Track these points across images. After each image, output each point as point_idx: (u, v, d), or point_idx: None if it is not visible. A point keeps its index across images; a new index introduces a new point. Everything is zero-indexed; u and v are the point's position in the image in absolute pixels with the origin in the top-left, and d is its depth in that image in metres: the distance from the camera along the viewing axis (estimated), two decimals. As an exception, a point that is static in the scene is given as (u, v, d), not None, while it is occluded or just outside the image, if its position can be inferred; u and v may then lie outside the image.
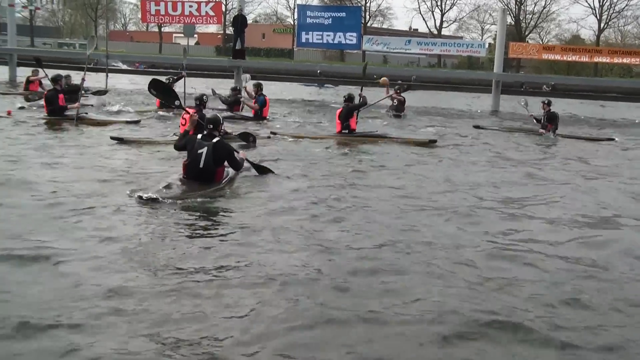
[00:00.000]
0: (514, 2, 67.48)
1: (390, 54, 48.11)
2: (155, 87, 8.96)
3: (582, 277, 5.47)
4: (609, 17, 64.10)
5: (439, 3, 69.92)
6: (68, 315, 4.20)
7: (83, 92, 15.65)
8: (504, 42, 26.03)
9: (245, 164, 8.85)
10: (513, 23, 65.62)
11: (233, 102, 17.39)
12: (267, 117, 16.56)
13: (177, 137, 9.58)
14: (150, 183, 8.00)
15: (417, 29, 77.78)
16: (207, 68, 34.19)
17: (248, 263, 5.37)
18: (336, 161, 11.04)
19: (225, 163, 8.20)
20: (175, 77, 18.35)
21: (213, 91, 17.75)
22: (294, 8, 64.22)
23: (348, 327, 4.26)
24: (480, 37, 69.64)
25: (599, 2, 63.67)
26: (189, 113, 9.13)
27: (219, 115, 8.57)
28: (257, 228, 6.41)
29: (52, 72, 16.72)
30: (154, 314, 4.30)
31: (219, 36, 76.28)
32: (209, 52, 70.31)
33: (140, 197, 7.10)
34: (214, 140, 7.93)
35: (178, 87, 15.39)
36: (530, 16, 68.52)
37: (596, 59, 28.04)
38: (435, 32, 69.20)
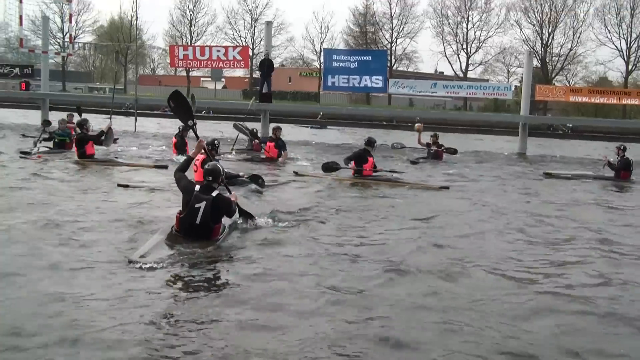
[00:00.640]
0: (539, 45, 67.74)
1: (416, 96, 48.26)
2: (175, 100, 8.22)
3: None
4: (637, 59, 63.81)
5: (464, 46, 70.36)
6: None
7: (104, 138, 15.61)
8: (531, 85, 25.95)
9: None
10: (539, 65, 65.69)
11: (255, 134, 17.66)
12: (282, 159, 16.67)
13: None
14: (141, 233, 7.53)
15: (442, 72, 78.22)
16: (234, 111, 34.56)
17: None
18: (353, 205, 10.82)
19: None
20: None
21: (235, 125, 18.00)
22: (320, 52, 65.18)
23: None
24: (506, 80, 69.71)
25: (626, 44, 63.60)
26: (204, 150, 8.50)
27: (218, 166, 7.61)
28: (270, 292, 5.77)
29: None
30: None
31: (246, 80, 77.39)
32: (236, 95, 71.23)
33: (131, 262, 6.29)
34: (213, 193, 7.17)
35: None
36: (557, 59, 68.56)
37: (624, 101, 27.80)
38: (461, 74, 69.38)
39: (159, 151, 17.88)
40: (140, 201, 9.96)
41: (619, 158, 15.85)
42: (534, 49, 64.40)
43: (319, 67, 65.23)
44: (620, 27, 63.68)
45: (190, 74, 75.14)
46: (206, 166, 7.53)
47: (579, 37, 66.41)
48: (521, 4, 68.07)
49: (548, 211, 10.83)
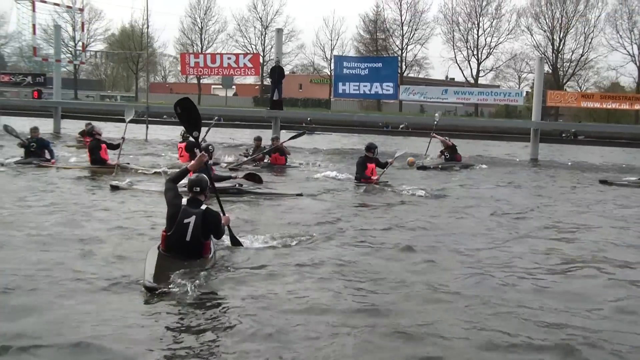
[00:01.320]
0: (551, 50, 67.48)
1: (427, 103, 48.24)
2: (183, 107, 7.56)
3: None
4: (649, 65, 63.43)
5: (475, 52, 70.22)
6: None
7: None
8: (542, 91, 25.85)
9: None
10: (551, 71, 65.45)
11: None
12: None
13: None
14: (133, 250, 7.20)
15: (453, 78, 78.10)
16: (245, 119, 34.69)
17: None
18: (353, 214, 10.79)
19: None
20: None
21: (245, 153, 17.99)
22: (331, 59, 65.30)
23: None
24: (518, 86, 69.43)
25: (638, 49, 63.25)
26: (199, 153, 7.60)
27: (205, 176, 7.04)
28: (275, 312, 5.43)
29: (96, 124, 17.16)
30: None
31: (257, 87, 77.60)
32: (247, 102, 71.47)
33: (147, 287, 5.78)
34: (202, 207, 6.64)
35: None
36: (568, 64, 68.23)
37: (637, 107, 27.67)
38: (472, 81, 69.23)
39: (173, 158, 17.81)
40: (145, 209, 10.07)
41: None
42: (545, 55, 64.14)
43: (329, 74, 65.34)
44: (632, 32, 63.35)
45: (201, 81, 75.47)
46: (192, 177, 7.00)
47: (591, 42, 66.10)
48: (532, 9, 68.01)
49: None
